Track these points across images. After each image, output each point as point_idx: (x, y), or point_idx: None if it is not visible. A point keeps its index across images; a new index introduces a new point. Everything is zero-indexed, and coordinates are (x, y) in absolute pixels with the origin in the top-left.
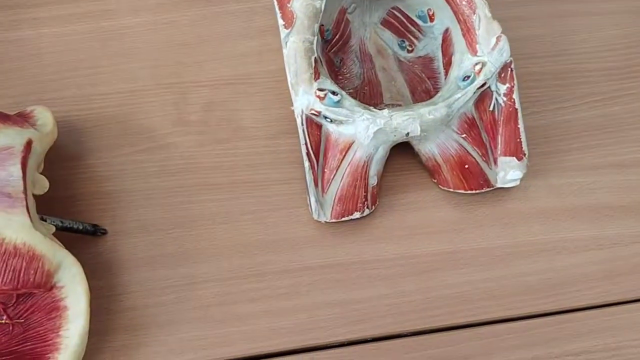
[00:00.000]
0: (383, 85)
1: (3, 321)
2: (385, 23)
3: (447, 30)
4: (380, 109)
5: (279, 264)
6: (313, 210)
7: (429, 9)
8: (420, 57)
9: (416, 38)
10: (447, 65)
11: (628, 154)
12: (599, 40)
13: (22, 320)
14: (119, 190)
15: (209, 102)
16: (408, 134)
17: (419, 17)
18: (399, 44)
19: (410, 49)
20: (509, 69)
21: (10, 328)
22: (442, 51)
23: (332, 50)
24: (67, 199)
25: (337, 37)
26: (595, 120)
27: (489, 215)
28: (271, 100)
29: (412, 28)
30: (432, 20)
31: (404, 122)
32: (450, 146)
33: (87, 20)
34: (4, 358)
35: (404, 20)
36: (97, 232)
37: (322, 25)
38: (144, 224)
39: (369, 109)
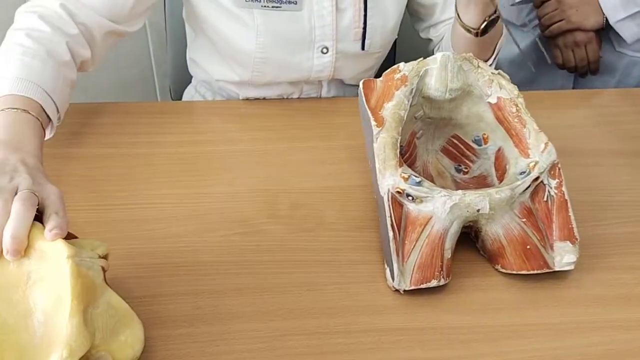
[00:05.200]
0: None
1: None
2: (444, 150)
3: (499, 149)
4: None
5: (362, 325)
6: (395, 277)
7: (484, 133)
8: (474, 177)
9: (471, 161)
10: (501, 178)
11: None
12: None
13: None
14: (217, 261)
15: (295, 203)
16: (479, 210)
17: (475, 141)
18: (455, 168)
19: (465, 171)
20: (557, 167)
21: None
22: (495, 167)
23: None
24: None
25: (406, 155)
26: None
27: (549, 297)
28: (347, 205)
29: (468, 152)
30: (485, 142)
31: (476, 199)
32: (513, 227)
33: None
34: None
35: (461, 147)
36: None
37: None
38: (239, 286)
39: (445, 189)
